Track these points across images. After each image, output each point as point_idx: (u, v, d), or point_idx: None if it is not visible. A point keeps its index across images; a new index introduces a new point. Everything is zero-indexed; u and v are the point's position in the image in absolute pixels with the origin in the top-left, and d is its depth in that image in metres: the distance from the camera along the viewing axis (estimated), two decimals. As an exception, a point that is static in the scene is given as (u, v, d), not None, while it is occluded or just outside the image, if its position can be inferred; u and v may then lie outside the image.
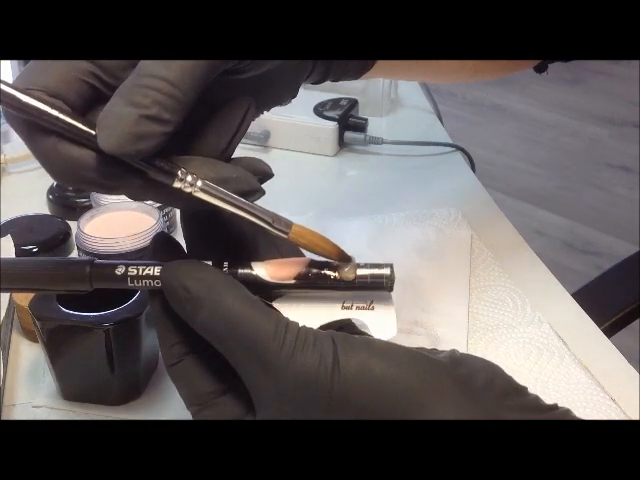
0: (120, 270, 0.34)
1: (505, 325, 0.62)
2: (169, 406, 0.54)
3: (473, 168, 0.91)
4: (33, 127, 0.31)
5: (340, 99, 0.95)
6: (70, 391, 0.55)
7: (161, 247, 0.36)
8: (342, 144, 0.93)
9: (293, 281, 0.34)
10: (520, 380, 0.34)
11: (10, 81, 0.31)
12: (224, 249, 0.36)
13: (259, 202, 0.34)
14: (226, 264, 0.34)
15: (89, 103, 0.32)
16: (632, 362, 0.58)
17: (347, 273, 0.34)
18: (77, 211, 0.75)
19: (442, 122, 1.02)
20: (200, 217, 0.37)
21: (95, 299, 0.45)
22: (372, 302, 0.34)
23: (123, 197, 0.68)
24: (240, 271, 0.34)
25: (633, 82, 2.61)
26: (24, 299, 0.59)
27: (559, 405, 0.34)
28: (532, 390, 0.34)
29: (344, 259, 0.34)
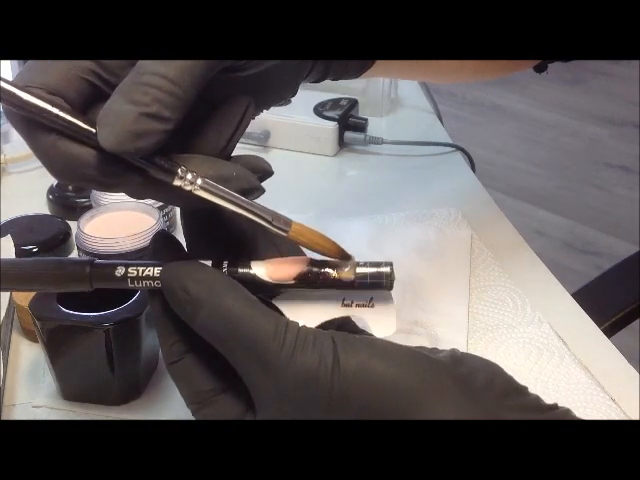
0: (120, 271, 0.35)
1: (505, 325, 0.62)
2: (169, 406, 0.54)
3: (473, 168, 0.91)
4: (33, 125, 0.31)
5: (340, 99, 0.95)
6: (70, 391, 0.55)
7: (161, 246, 0.36)
8: (342, 144, 0.93)
9: (293, 282, 0.34)
10: (520, 380, 0.34)
11: (10, 79, 0.31)
12: (224, 248, 0.36)
13: (259, 201, 0.34)
14: (226, 263, 0.34)
15: (89, 101, 0.32)
16: (632, 362, 0.58)
17: (347, 272, 0.34)
18: (77, 211, 0.75)
19: (442, 122, 1.02)
20: (200, 215, 0.37)
21: (95, 299, 0.45)
22: (372, 300, 0.34)
23: (123, 197, 0.68)
24: (240, 270, 0.34)
25: (633, 82, 2.61)
26: (24, 299, 0.58)
27: (559, 405, 0.34)
28: (532, 390, 0.34)
29: (344, 257, 0.34)
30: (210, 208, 0.33)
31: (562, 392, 0.55)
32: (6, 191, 0.83)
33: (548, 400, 0.34)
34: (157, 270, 0.34)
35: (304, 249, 0.35)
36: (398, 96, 1.05)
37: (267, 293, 0.34)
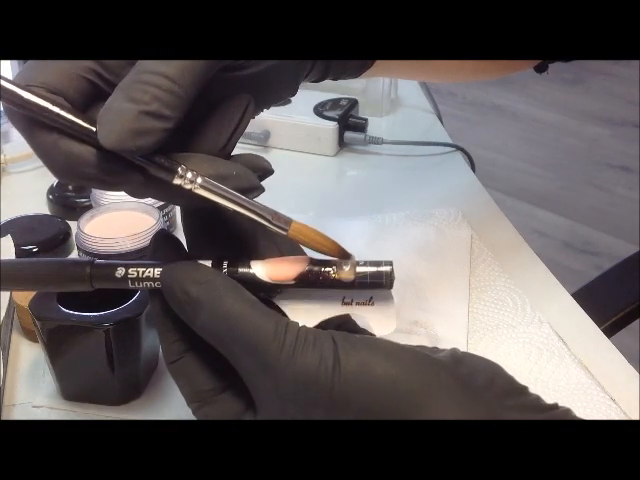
0: (120, 272, 0.35)
1: (505, 325, 0.62)
2: (169, 406, 0.54)
3: (473, 168, 0.91)
4: (34, 123, 0.31)
5: (340, 99, 0.95)
6: (70, 391, 0.55)
7: (161, 246, 0.36)
8: (342, 144, 0.93)
9: (293, 282, 0.34)
10: (520, 380, 0.34)
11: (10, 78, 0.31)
12: (224, 247, 0.36)
13: (259, 201, 0.34)
14: (226, 263, 0.34)
15: (89, 100, 0.32)
16: (632, 362, 0.58)
17: (347, 272, 0.34)
18: (77, 211, 0.74)
19: (442, 122, 1.02)
20: (200, 214, 0.37)
21: (95, 299, 0.45)
22: (372, 298, 0.34)
23: (123, 197, 0.68)
24: (240, 270, 0.34)
25: (633, 82, 2.61)
26: (24, 299, 0.58)
27: (559, 405, 0.34)
28: (532, 390, 0.34)
29: (344, 256, 0.34)
30: (210, 207, 0.33)
31: (562, 392, 0.55)
32: (6, 191, 0.82)
33: (548, 400, 0.34)
34: (157, 271, 0.34)
35: (305, 249, 0.35)
36: (398, 96, 1.05)
37: (268, 292, 0.34)
